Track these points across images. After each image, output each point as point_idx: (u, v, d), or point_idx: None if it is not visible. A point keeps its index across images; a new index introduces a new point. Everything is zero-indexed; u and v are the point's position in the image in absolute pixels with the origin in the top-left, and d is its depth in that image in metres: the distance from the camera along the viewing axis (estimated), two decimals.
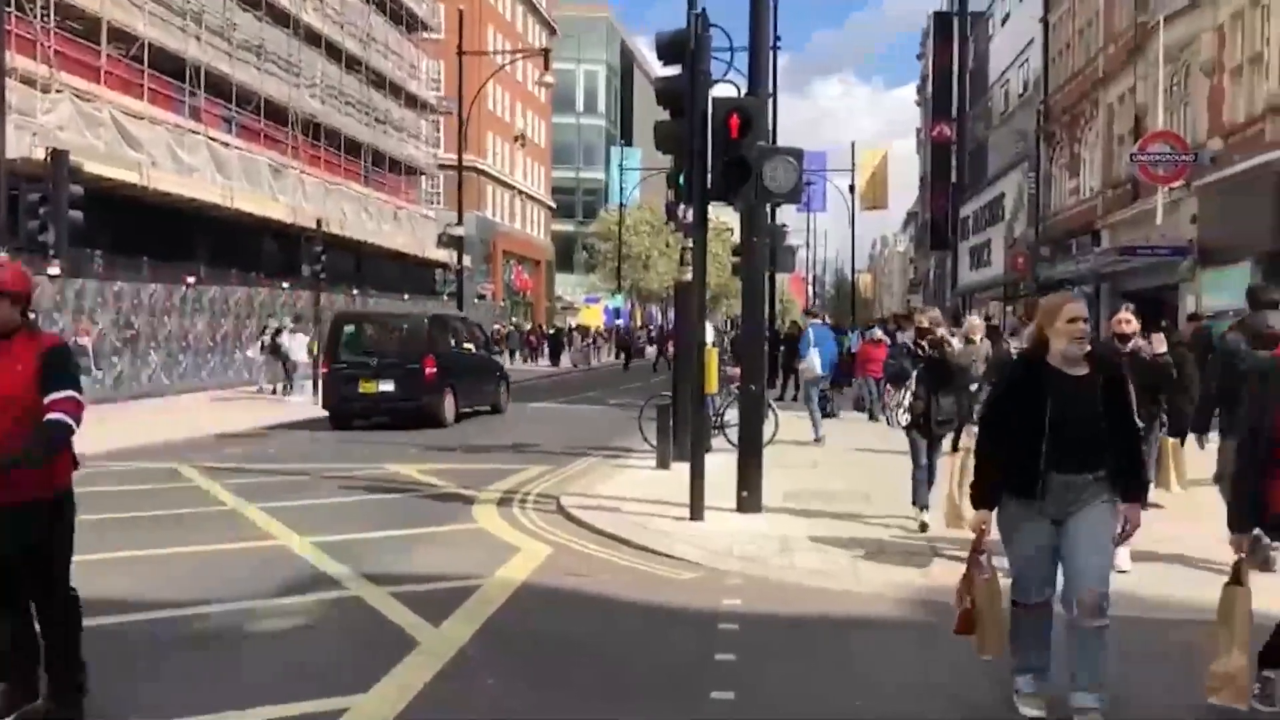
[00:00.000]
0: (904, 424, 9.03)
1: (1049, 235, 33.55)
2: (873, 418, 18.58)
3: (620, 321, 56.93)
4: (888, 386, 10.05)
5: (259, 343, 25.21)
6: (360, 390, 17.90)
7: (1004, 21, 43.68)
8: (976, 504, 4.88)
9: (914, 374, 8.89)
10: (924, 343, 8.91)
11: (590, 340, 50.00)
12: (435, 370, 17.99)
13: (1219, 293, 20.22)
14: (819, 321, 19.36)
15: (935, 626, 6.44)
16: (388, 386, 17.83)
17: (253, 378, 25.95)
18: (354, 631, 6.31)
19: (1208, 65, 20.99)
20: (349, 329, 19.58)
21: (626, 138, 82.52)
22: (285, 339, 24.21)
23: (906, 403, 8.90)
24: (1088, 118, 30.31)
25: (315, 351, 22.75)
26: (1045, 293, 32.83)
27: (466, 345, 20.72)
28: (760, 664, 5.67)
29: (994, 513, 4.82)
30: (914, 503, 9.09)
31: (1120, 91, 26.92)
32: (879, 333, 21.07)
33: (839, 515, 9.71)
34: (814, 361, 16.02)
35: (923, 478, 9.05)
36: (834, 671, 5.64)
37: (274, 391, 24.54)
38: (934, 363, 8.87)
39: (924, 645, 6.08)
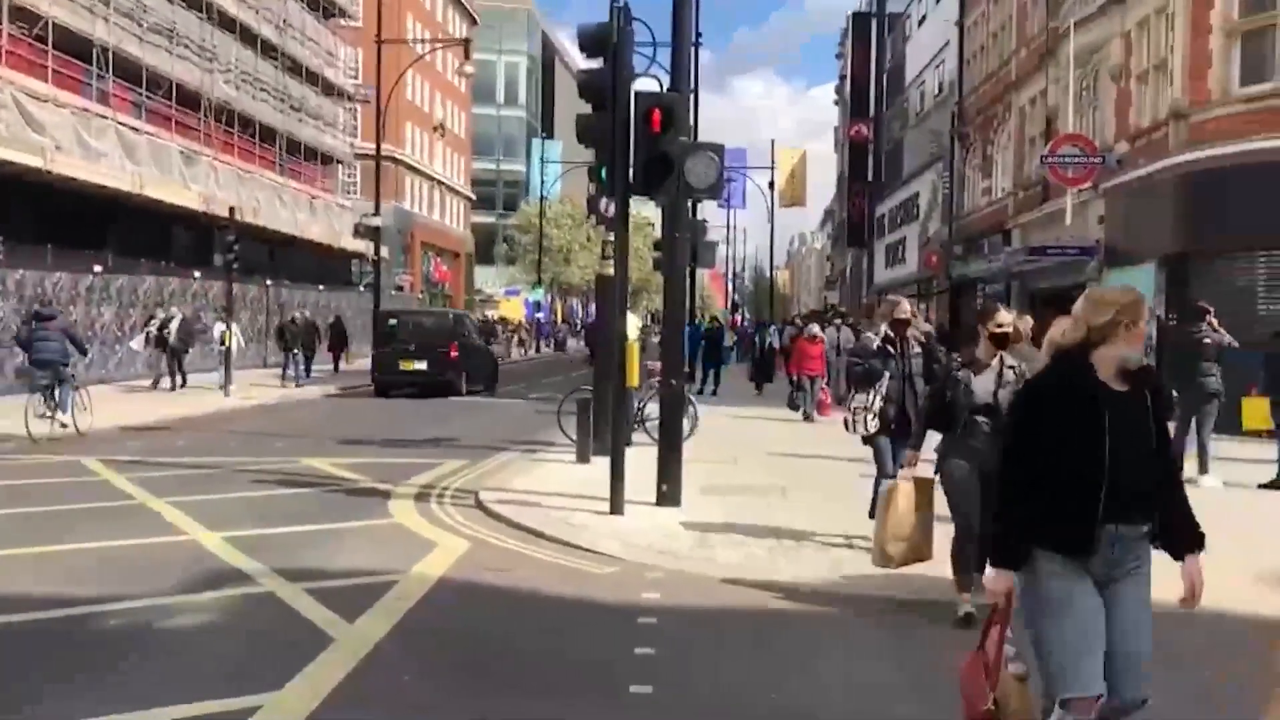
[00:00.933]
0: (871, 431, 8.00)
1: (962, 234, 34.20)
2: (807, 418, 18.42)
3: (541, 315, 56.73)
4: (851, 389, 8.65)
5: (144, 333, 24.04)
6: (401, 367, 23.49)
7: (920, 24, 44.38)
8: (998, 561, 3.69)
9: (885, 375, 7.93)
10: (910, 337, 8.09)
11: (513, 333, 49.89)
12: (456, 354, 23.46)
13: None
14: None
15: (849, 618, 6.56)
16: (421, 365, 23.34)
17: (139, 370, 24.88)
18: (267, 628, 6.20)
19: (1115, 70, 21.57)
20: (391, 322, 25.14)
21: (548, 130, 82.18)
22: (174, 329, 23.08)
23: (876, 407, 7.93)
24: (1000, 120, 30.95)
25: (228, 342, 22.31)
26: (958, 291, 33.62)
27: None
28: (679, 657, 5.70)
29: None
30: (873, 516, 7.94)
31: (1032, 94, 27.54)
32: (816, 329, 20.58)
33: (758, 509, 9.80)
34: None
35: (888, 476, 8.14)
36: (751, 664, 5.69)
37: (155, 385, 23.16)
38: (926, 359, 7.93)
39: (838, 637, 6.18)
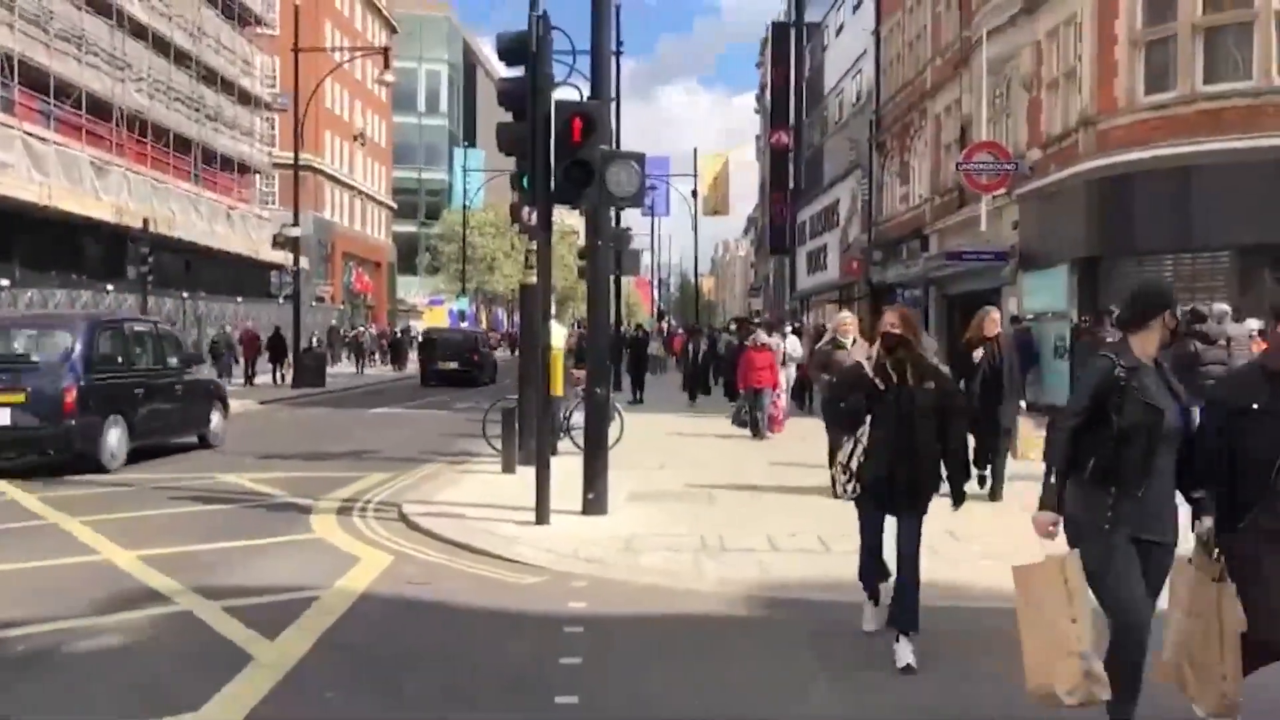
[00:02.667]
0: (852, 494, 5.82)
1: (881, 240, 34.72)
2: (757, 434, 16.57)
3: (465, 324, 56.29)
4: (832, 432, 6.82)
5: None
6: (440, 368, 32.53)
7: (838, 33, 44.99)
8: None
9: (866, 423, 5.70)
10: (913, 361, 5.75)
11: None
12: (479, 357, 33.35)
13: (1038, 296, 21.32)
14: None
15: (775, 621, 6.60)
16: (454, 365, 32.53)
17: None
18: (184, 648, 6.05)
19: (1027, 79, 22.08)
20: (433, 337, 35.69)
21: (470, 138, 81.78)
22: None
23: (858, 460, 5.70)
24: (917, 127, 31.50)
25: None
26: (878, 296, 34.10)
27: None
28: (605, 666, 5.69)
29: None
30: (869, 596, 6.23)
31: (947, 102, 28.08)
32: (765, 336, 18.21)
33: (685, 515, 9.83)
34: None
35: (877, 568, 6.07)
36: (677, 671, 5.69)
37: None
38: (942, 392, 5.83)
39: (764, 640, 6.21)
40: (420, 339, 38.81)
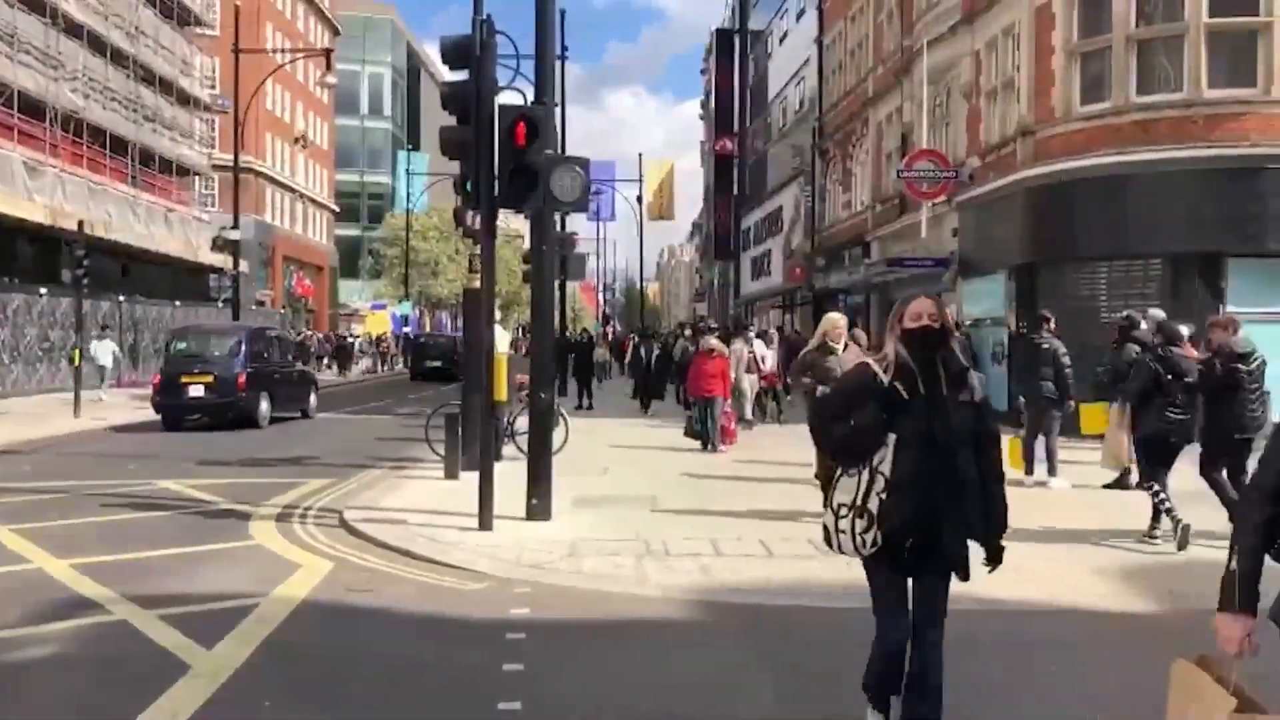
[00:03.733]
0: (868, 550, 4.11)
1: (824, 247, 35.03)
2: (708, 446, 15.57)
3: (409, 329, 55.91)
4: (828, 468, 4.61)
5: None
6: (428, 366, 37.88)
7: (782, 41, 45.34)
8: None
9: (890, 444, 4.05)
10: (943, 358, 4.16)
11: (385, 350, 49.06)
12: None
13: (977, 302, 21.64)
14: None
15: (718, 624, 6.63)
16: (439, 364, 37.14)
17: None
18: (118, 658, 5.94)
19: (966, 88, 22.41)
20: (422, 340, 42.51)
21: (414, 142, 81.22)
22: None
23: (878, 498, 4.05)
24: (859, 135, 31.82)
25: (78, 361, 21.60)
26: (820, 303, 34.40)
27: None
28: (548, 671, 5.68)
29: None
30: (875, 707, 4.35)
31: (888, 111, 28.40)
32: (714, 341, 16.87)
33: (629, 519, 9.83)
34: None
35: (898, 668, 4.25)
36: (620, 674, 5.70)
37: None
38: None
39: (707, 643, 6.24)
40: (413, 342, 45.10)
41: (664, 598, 7.17)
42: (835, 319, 10.78)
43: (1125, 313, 12.47)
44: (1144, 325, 10.99)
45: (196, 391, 19.41)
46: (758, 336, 21.85)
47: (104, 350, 26.45)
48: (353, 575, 7.87)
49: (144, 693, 5.15)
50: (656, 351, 26.03)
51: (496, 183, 9.36)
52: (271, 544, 9.03)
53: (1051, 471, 12.02)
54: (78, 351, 21.69)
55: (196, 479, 12.91)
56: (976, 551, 4.15)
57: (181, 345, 20.89)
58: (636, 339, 33.15)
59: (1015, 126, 19.68)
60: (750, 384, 19.05)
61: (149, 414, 20.24)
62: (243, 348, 19.98)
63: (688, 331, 26.45)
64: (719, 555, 8.31)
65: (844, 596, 7.06)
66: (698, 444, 15.81)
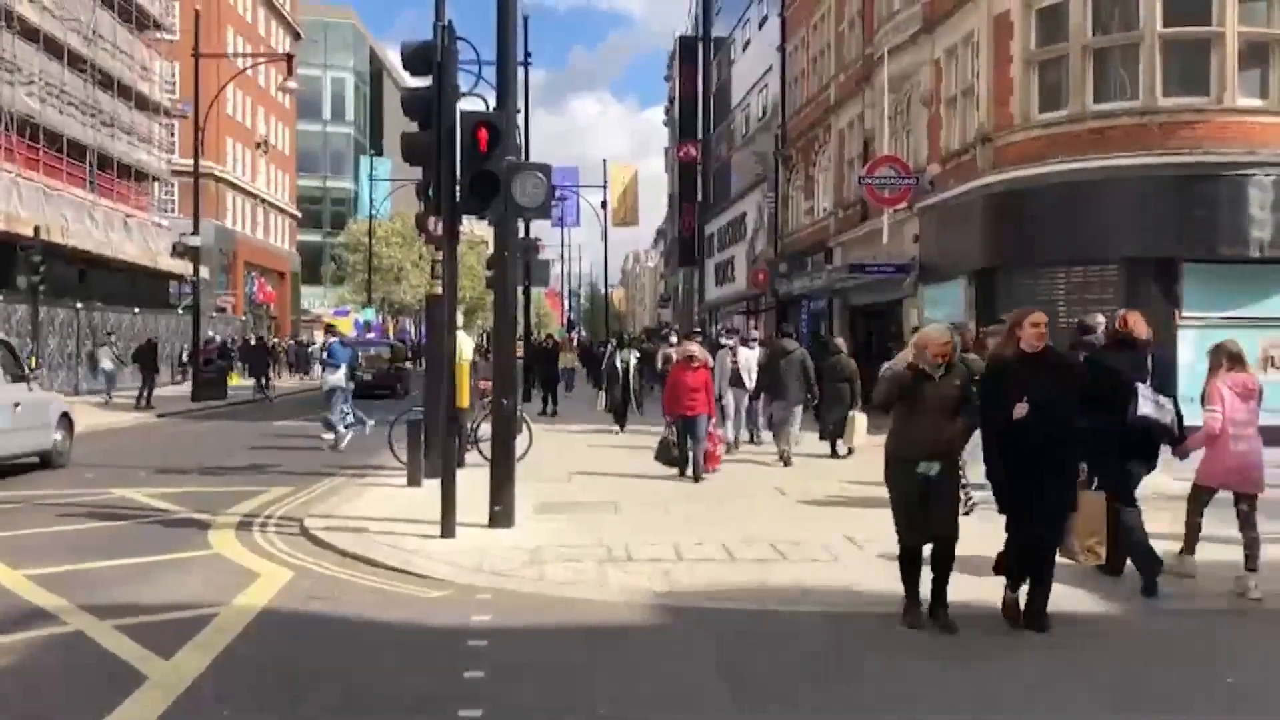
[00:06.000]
0: None
1: (787, 253, 35.18)
2: (688, 472, 13.26)
3: (372, 335, 55.53)
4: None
5: None
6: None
7: (745, 48, 45.52)
8: None
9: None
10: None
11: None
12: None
13: (938, 307, 21.81)
14: (337, 340, 18.80)
15: (679, 629, 6.64)
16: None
17: None
18: (73, 669, 5.87)
19: (926, 96, 22.60)
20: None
21: (377, 147, 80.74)
22: None
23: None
24: (821, 142, 32.00)
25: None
26: (784, 307, 34.55)
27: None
28: (509, 679, 5.67)
29: None
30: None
31: (850, 118, 28.58)
32: (696, 349, 14.16)
33: (591, 526, 9.84)
34: (340, 375, 17.49)
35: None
36: (581, 681, 5.70)
37: None
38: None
39: (668, 648, 6.25)
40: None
41: (626, 603, 7.18)
42: (938, 330, 7.07)
43: (1078, 320, 12.63)
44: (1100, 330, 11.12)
45: None
46: (743, 344, 17.86)
47: (106, 357, 27.47)
48: (313, 584, 7.82)
49: (100, 704, 5.09)
50: (635, 359, 22.18)
51: (458, 189, 9.35)
52: (231, 553, 8.95)
53: None
54: (33, 359, 21.40)
55: (156, 487, 12.76)
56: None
57: None
58: (611, 346, 26.90)
59: (975, 134, 19.87)
60: (735, 399, 16.64)
61: (106, 420, 19.98)
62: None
63: (673, 338, 23.48)
64: (680, 560, 8.33)
65: (803, 600, 7.12)
66: (673, 470, 13.45)
